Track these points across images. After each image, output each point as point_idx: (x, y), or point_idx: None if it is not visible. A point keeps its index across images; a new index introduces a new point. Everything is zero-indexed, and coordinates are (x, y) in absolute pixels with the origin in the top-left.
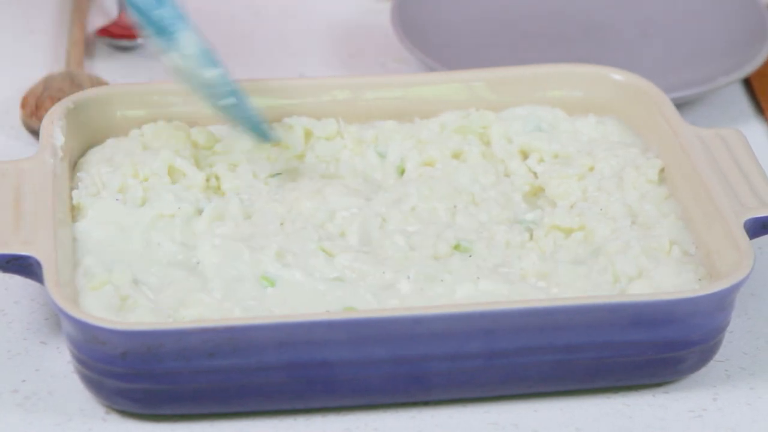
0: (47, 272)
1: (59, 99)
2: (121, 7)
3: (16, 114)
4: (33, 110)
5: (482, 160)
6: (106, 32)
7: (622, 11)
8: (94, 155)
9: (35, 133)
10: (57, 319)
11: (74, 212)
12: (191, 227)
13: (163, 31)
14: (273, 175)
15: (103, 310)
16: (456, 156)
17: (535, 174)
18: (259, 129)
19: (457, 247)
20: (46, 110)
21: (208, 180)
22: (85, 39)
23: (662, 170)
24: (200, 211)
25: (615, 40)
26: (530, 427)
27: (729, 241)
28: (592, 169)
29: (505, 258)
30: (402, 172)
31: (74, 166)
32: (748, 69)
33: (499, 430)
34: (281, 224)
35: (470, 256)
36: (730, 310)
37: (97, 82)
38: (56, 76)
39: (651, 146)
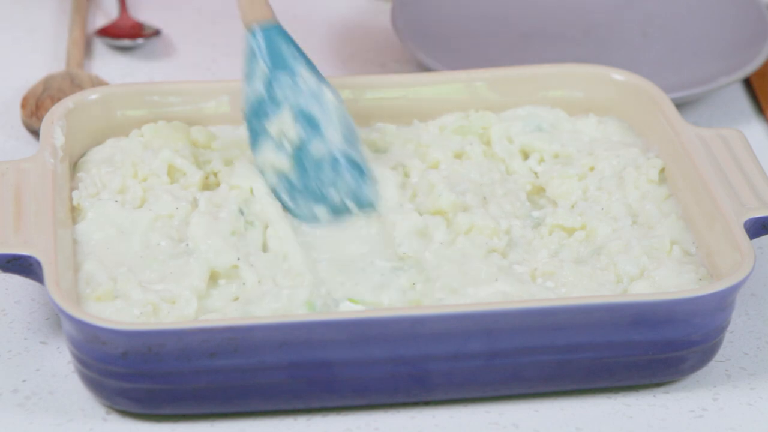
0: (47, 272)
1: (59, 99)
2: (121, 7)
3: (16, 114)
4: (33, 110)
5: (485, 160)
6: (106, 32)
7: (622, 11)
8: (95, 155)
9: (35, 133)
10: (57, 318)
11: (74, 213)
12: (189, 224)
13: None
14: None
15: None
16: (458, 156)
17: (535, 174)
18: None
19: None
20: (46, 110)
21: (207, 177)
22: (85, 39)
23: (663, 170)
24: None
25: (615, 40)
26: (531, 427)
27: (729, 241)
28: (592, 169)
29: (519, 255)
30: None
31: (74, 166)
32: (749, 69)
33: (500, 430)
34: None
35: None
36: (731, 310)
37: (97, 82)
38: (56, 76)
39: (651, 146)
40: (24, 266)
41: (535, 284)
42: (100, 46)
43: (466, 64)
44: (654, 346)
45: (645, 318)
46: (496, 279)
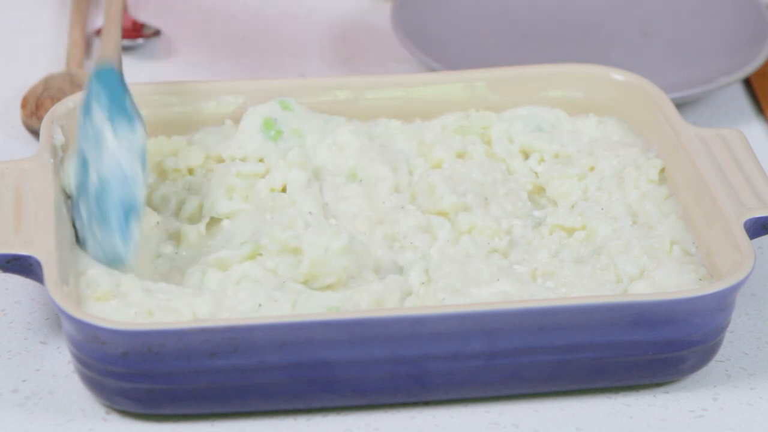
0: (47, 272)
1: (59, 99)
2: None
3: (16, 114)
4: (33, 110)
5: (487, 159)
6: None
7: (622, 11)
8: None
9: (35, 133)
10: (57, 318)
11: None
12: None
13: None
14: None
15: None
16: (460, 156)
17: (536, 174)
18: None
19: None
20: (46, 110)
21: None
22: (85, 39)
23: (663, 170)
24: None
25: (615, 40)
26: (531, 427)
27: (729, 241)
28: (592, 169)
29: (519, 255)
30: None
31: None
32: (749, 69)
33: (500, 430)
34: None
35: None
36: (731, 310)
37: None
38: (56, 76)
39: (651, 146)
40: (24, 266)
41: (536, 284)
42: None
43: (466, 64)
44: (654, 346)
45: (645, 318)
46: (498, 279)
